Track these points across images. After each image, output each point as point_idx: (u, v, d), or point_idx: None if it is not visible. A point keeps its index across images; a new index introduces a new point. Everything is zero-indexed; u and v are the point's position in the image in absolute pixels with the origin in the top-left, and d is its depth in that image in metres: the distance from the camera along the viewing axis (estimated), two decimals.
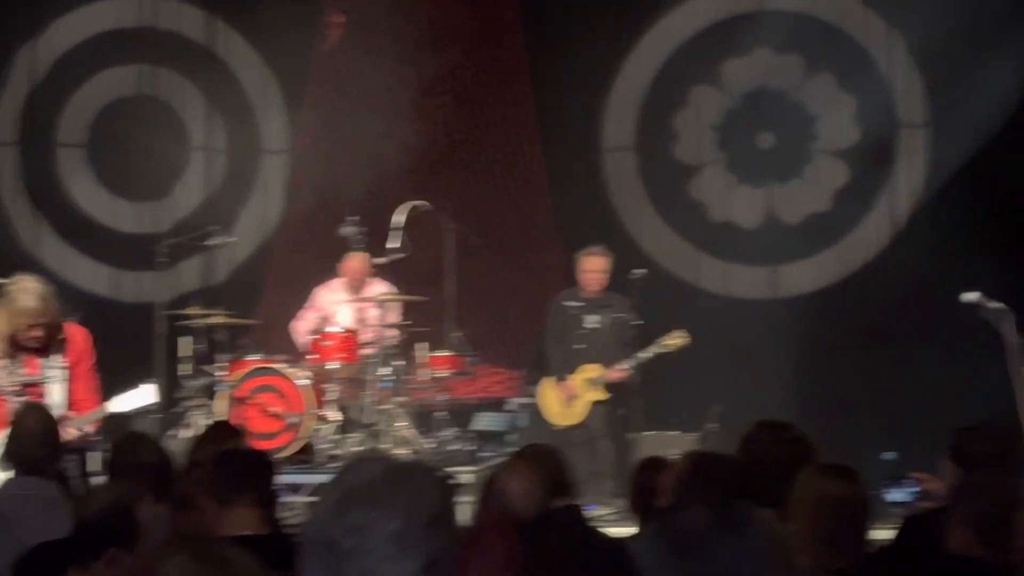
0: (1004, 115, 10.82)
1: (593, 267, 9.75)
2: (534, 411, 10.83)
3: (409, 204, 10.33)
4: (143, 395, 6.82)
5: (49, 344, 6.60)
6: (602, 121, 12.15)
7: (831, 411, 10.24)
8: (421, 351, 10.14)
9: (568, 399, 9.72)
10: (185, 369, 10.15)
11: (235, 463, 4.46)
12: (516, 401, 11.18)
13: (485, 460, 9.75)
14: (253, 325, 10.84)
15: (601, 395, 9.70)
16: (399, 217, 10.30)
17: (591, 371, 9.71)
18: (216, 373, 9.95)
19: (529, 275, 12.12)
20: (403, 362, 10.01)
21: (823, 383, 10.78)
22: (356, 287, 10.46)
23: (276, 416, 9.60)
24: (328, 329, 10.03)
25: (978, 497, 3.94)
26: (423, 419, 10.19)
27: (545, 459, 4.78)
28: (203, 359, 10.15)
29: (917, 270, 11.18)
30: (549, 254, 12.07)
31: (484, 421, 10.80)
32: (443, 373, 10.12)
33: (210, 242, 10.74)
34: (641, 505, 5.02)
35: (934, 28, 11.04)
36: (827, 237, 11.77)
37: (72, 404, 6.70)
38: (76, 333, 6.78)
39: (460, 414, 10.68)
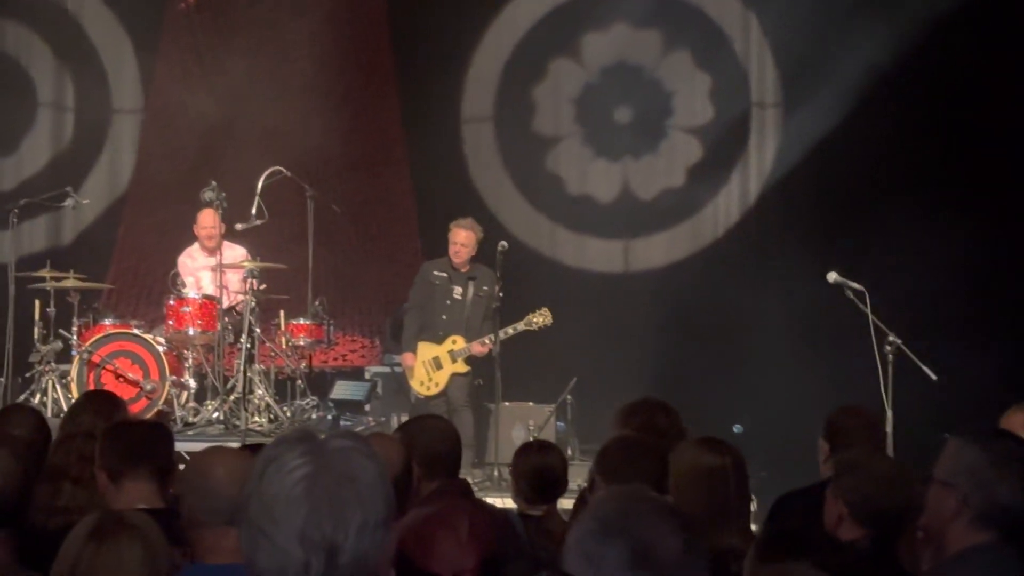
0: (854, 98, 11.20)
1: (459, 239, 9.84)
2: (392, 380, 10.92)
3: (269, 170, 10.27)
4: None
5: None
6: (461, 92, 12.24)
7: (683, 384, 10.51)
8: (280, 319, 10.13)
9: (425, 367, 9.81)
10: (38, 332, 9.98)
11: (131, 435, 4.43)
12: (373, 370, 11.24)
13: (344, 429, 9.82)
14: (105, 289, 10.68)
15: (463, 367, 9.82)
16: (258, 183, 10.24)
17: (454, 343, 9.82)
18: (70, 337, 9.81)
19: (387, 245, 12.18)
20: (260, 330, 9.97)
21: (675, 356, 11.04)
22: (210, 247, 10.38)
23: (132, 382, 9.52)
24: (186, 294, 9.95)
25: (855, 474, 4.11)
26: (281, 387, 10.18)
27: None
28: (56, 323, 9.99)
29: (765, 247, 11.55)
30: (407, 224, 12.14)
31: (342, 389, 10.83)
32: (302, 341, 10.12)
33: (64, 203, 10.51)
34: (535, 487, 5.11)
35: (789, 11, 11.37)
36: (680, 212, 12.05)
37: None
38: None
39: (319, 382, 10.70)
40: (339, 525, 2.13)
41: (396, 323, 10.85)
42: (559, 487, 5.21)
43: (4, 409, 5.25)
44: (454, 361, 9.83)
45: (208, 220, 10.29)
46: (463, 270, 9.91)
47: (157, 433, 4.49)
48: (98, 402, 5.58)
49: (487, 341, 9.76)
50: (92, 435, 4.86)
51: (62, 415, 7.43)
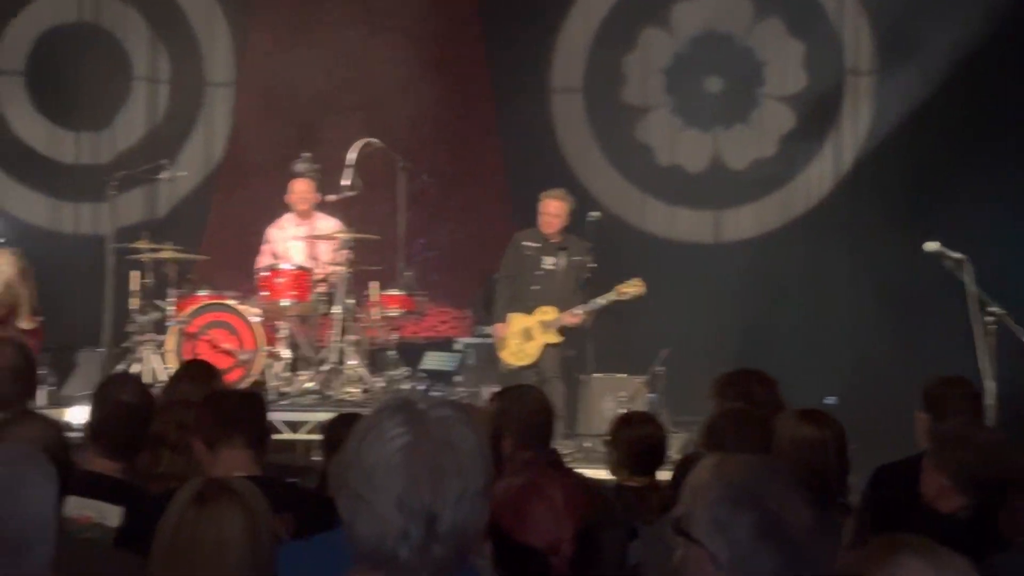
0: (950, 65, 11.00)
1: (551, 210, 9.82)
2: (482, 350, 10.95)
3: (361, 142, 10.31)
4: None
5: (11, 318, 6.53)
6: (551, 62, 12.20)
7: (774, 355, 10.42)
8: (372, 290, 10.18)
9: (516, 338, 9.82)
10: (135, 303, 10.12)
11: (226, 404, 4.49)
12: (464, 341, 11.27)
13: None
14: (200, 260, 10.80)
15: (554, 338, 9.81)
16: (351, 155, 10.28)
17: (546, 313, 9.81)
18: (166, 308, 9.94)
19: (478, 215, 12.19)
20: (353, 300, 10.04)
21: (767, 327, 10.96)
22: (302, 210, 10.44)
23: (227, 352, 9.62)
24: (279, 266, 10.03)
25: (957, 445, 4.06)
26: (373, 358, 10.24)
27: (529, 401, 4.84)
28: (153, 293, 10.13)
29: (859, 216, 11.41)
30: (498, 195, 12.15)
31: (433, 360, 10.87)
32: (393, 312, 10.16)
33: (160, 175, 10.64)
34: (635, 459, 5.08)
35: None
36: (771, 182, 11.93)
37: None
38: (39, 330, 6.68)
39: (409, 353, 10.75)
40: (438, 494, 2.13)
41: (487, 294, 10.86)
42: (659, 459, 5.19)
43: (111, 376, 5.34)
44: (545, 332, 9.82)
45: (301, 186, 10.37)
46: (554, 240, 9.89)
47: (251, 402, 4.54)
48: (195, 371, 5.67)
49: (578, 312, 9.74)
50: (190, 404, 4.93)
51: (161, 384, 7.56)
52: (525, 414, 4.71)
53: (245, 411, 4.46)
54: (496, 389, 10.01)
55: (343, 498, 2.19)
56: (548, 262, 9.87)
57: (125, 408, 4.51)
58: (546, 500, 2.83)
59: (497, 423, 4.55)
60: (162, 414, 5.25)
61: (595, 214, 9.92)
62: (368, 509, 2.14)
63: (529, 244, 9.92)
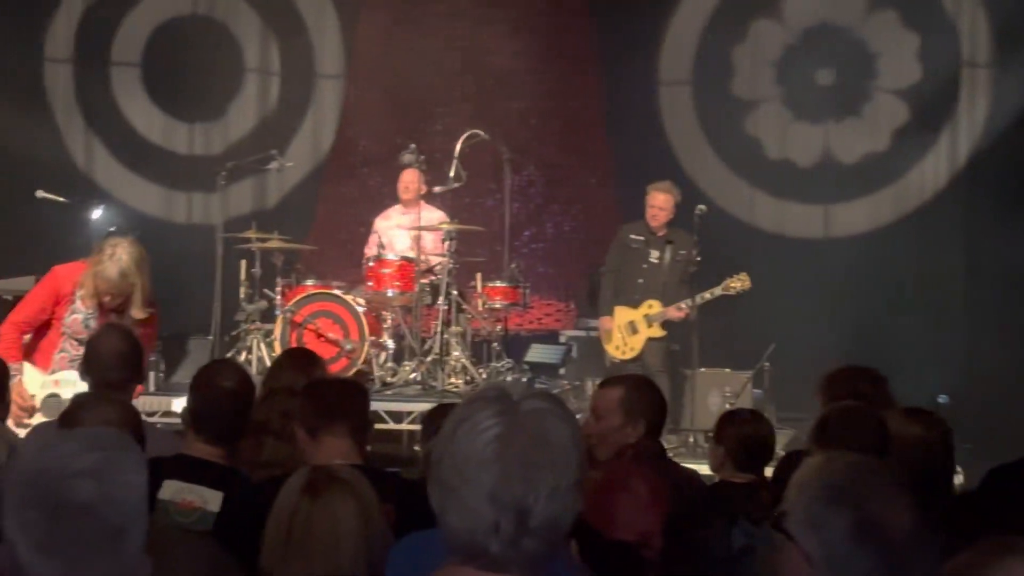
0: None
1: (657, 202, 9.76)
2: (587, 344, 10.91)
3: (467, 133, 10.32)
4: None
5: (127, 307, 6.69)
6: (660, 54, 12.10)
7: (884, 352, 10.25)
8: (477, 281, 10.20)
9: (620, 331, 9.78)
10: (243, 292, 10.25)
11: (328, 391, 4.49)
12: (569, 333, 11.25)
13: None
14: (307, 250, 10.89)
15: (658, 332, 9.74)
16: (457, 146, 10.30)
17: (651, 307, 9.75)
18: (274, 297, 10.05)
19: (584, 208, 12.16)
20: (458, 292, 10.06)
21: (876, 323, 10.78)
22: (409, 204, 10.49)
23: (332, 342, 9.69)
24: (385, 256, 10.08)
25: None
26: (477, 349, 10.26)
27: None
28: (261, 283, 10.25)
29: (975, 211, 11.17)
30: (604, 187, 12.10)
31: (538, 353, 10.86)
32: (497, 303, 10.17)
33: (269, 166, 10.75)
34: (743, 456, 5.00)
35: None
36: (883, 176, 11.72)
37: None
38: (153, 319, 6.85)
39: (513, 345, 10.75)
40: (530, 487, 2.10)
41: (592, 286, 10.82)
42: (766, 456, 5.11)
43: (211, 363, 5.38)
44: (650, 325, 9.76)
45: (408, 176, 10.42)
46: (660, 234, 9.82)
47: (353, 390, 4.53)
48: (297, 359, 5.69)
49: (683, 306, 9.66)
50: (292, 391, 4.96)
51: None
52: (647, 405, 4.66)
53: (347, 399, 4.45)
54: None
55: (435, 490, 2.17)
56: (654, 255, 9.81)
57: (224, 393, 4.53)
58: (631, 493, 2.79)
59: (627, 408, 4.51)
60: (264, 402, 5.28)
61: (702, 207, 9.82)
62: (459, 501, 2.11)
63: (635, 237, 9.87)
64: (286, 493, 3.19)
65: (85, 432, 2.50)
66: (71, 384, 6.45)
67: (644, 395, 4.62)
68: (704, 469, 5.46)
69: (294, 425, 4.48)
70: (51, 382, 6.65)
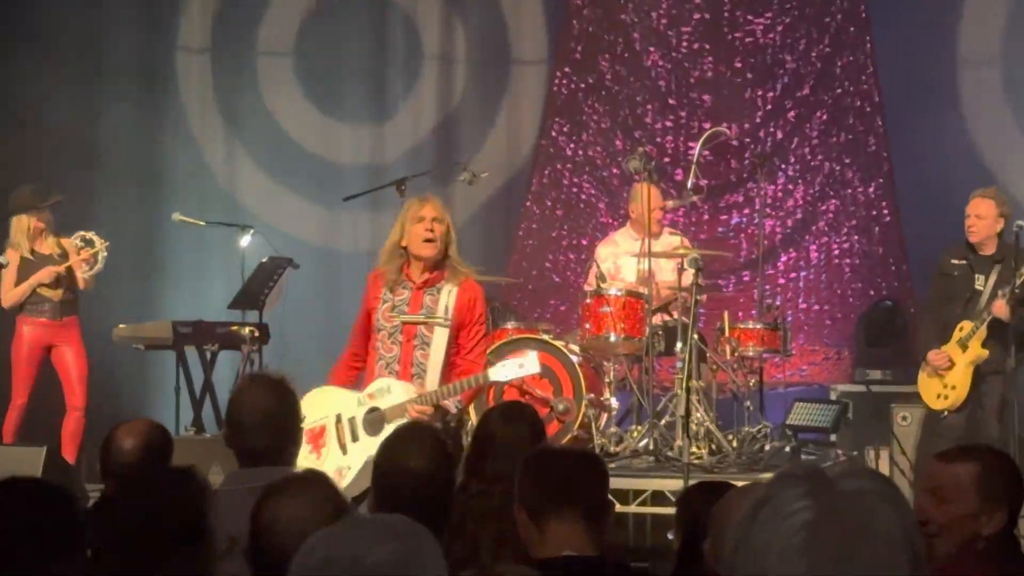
0: None
1: (977, 211, 9.65)
2: (865, 401, 10.85)
3: (708, 131, 10.40)
4: (528, 363, 7.84)
5: (434, 280, 7.75)
6: (957, 32, 12.00)
7: None
8: (723, 322, 10.22)
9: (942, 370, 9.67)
10: None
11: (558, 466, 4.58)
12: (842, 388, 11.18)
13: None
14: (505, 283, 11.06)
15: (977, 350, 9.50)
16: (695, 149, 10.38)
17: (961, 330, 9.60)
18: None
19: (860, 224, 12.08)
20: (699, 336, 10.08)
21: None
22: (654, 230, 10.52)
23: (541, 401, 9.81)
24: (606, 291, 10.16)
25: None
26: (724, 409, 10.28)
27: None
28: None
29: None
30: (887, 197, 12.03)
31: (803, 414, 10.81)
32: (751, 350, 10.14)
33: (459, 177, 10.85)
34: None
35: None
36: None
37: (450, 362, 7.79)
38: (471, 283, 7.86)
39: (771, 404, 10.74)
40: None
41: (871, 325, 10.77)
42: None
43: (395, 433, 5.50)
44: (964, 348, 9.64)
45: (647, 194, 10.35)
46: (985, 252, 9.71)
47: (588, 463, 4.62)
48: (513, 415, 5.88)
49: (1001, 294, 9.48)
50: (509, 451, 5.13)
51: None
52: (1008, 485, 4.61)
53: (580, 474, 4.53)
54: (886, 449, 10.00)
55: None
56: (978, 281, 9.71)
57: (414, 477, 4.72)
58: None
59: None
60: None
61: (1021, 223, 9.68)
62: None
63: (955, 262, 9.78)
64: None
65: (376, 519, 2.66)
66: (384, 392, 7.68)
67: (1005, 473, 4.53)
68: None
69: (514, 506, 4.58)
70: (366, 397, 7.73)
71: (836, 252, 12.18)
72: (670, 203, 10.53)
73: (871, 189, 12.14)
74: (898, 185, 11.99)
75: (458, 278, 7.86)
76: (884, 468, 10.14)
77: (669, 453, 9.66)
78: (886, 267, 10.44)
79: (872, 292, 11.65)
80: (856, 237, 12.10)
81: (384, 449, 4.91)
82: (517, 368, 7.91)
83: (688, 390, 9.10)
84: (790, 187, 12.15)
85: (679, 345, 9.91)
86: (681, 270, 10.01)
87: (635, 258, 10.49)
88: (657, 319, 10.26)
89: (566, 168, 12.61)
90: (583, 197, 12.44)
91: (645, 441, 9.81)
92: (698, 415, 9.84)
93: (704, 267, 10.00)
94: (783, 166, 11.77)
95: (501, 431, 5.93)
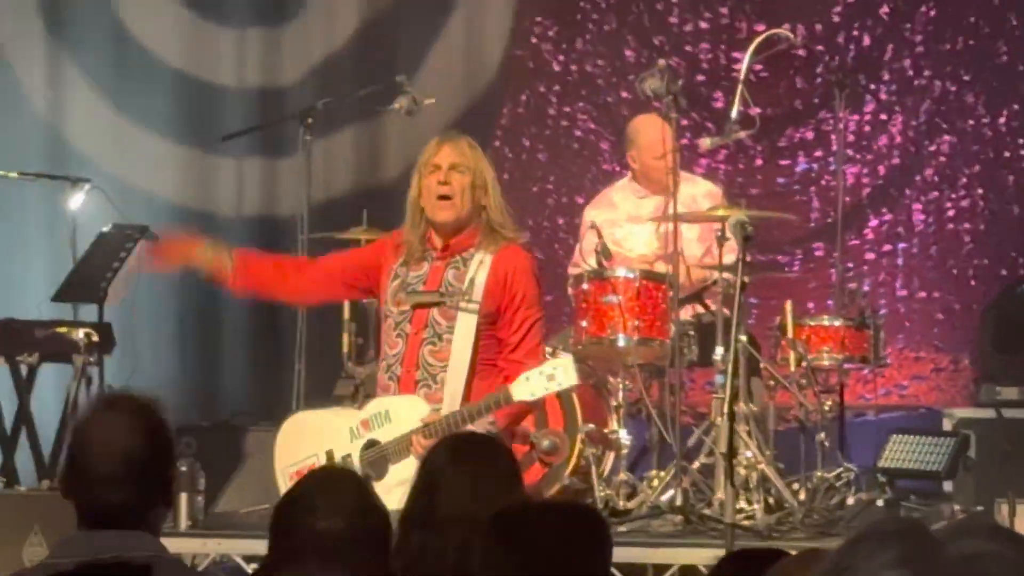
0: None
1: None
2: (994, 431, 10.87)
3: (762, 35, 10.45)
4: (560, 372, 7.84)
5: (460, 246, 7.87)
6: None
7: None
8: (785, 316, 10.24)
9: None
10: (349, 343, 10.51)
11: (536, 532, 4.62)
12: (961, 414, 11.20)
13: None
14: None
15: None
16: (741, 62, 10.41)
17: None
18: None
19: (985, 175, 12.14)
20: (749, 337, 10.11)
21: None
22: (657, 180, 10.53)
23: (519, 435, 9.81)
24: (609, 274, 10.16)
25: None
26: (789, 445, 10.33)
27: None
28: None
29: None
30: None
31: (901, 451, 10.82)
32: (826, 359, 10.20)
33: (392, 105, 10.80)
34: None
35: None
36: None
37: (487, 366, 7.98)
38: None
39: (857, 436, 10.79)
40: None
41: (1004, 321, 10.83)
42: None
43: (301, 481, 5.54)
44: None
45: (656, 132, 10.38)
46: None
47: (585, 528, 4.68)
48: (468, 456, 5.91)
49: None
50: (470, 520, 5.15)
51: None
52: None
53: (571, 543, 4.59)
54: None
55: None
56: None
57: (319, 537, 4.78)
58: None
59: None
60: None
61: None
62: None
63: None
64: None
65: None
66: (382, 419, 7.92)
67: None
68: None
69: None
70: (359, 426, 7.94)
71: (951, 213, 12.23)
72: (707, 141, 10.53)
73: (1002, 120, 12.18)
74: None
75: (496, 243, 7.95)
76: (1022, 527, 10.18)
77: (705, 511, 9.69)
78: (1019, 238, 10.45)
79: (1005, 272, 11.65)
80: (980, 191, 12.14)
81: (286, 505, 4.93)
82: (546, 381, 7.91)
83: (732, 417, 9.11)
84: (883, 118, 12.18)
85: (719, 351, 9.94)
86: (722, 240, 10.02)
87: (645, 225, 10.50)
88: (686, 312, 10.28)
89: (552, 91, 12.64)
90: (577, 134, 12.47)
91: (670, 493, 9.83)
92: (748, 455, 9.87)
93: (756, 236, 10.03)
94: (873, 87, 11.73)
95: (451, 474, 5.96)
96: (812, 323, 10.25)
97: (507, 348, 7.89)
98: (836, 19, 12.01)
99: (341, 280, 8.13)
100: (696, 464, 9.93)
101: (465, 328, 7.83)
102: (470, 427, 7.69)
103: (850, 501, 10.04)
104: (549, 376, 7.86)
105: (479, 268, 7.84)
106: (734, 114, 10.29)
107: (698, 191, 10.62)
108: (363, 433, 7.84)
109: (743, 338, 9.99)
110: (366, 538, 4.92)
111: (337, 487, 5.09)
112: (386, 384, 7.96)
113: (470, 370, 7.83)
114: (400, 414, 7.73)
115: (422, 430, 7.64)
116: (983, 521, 4.86)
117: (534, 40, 12.72)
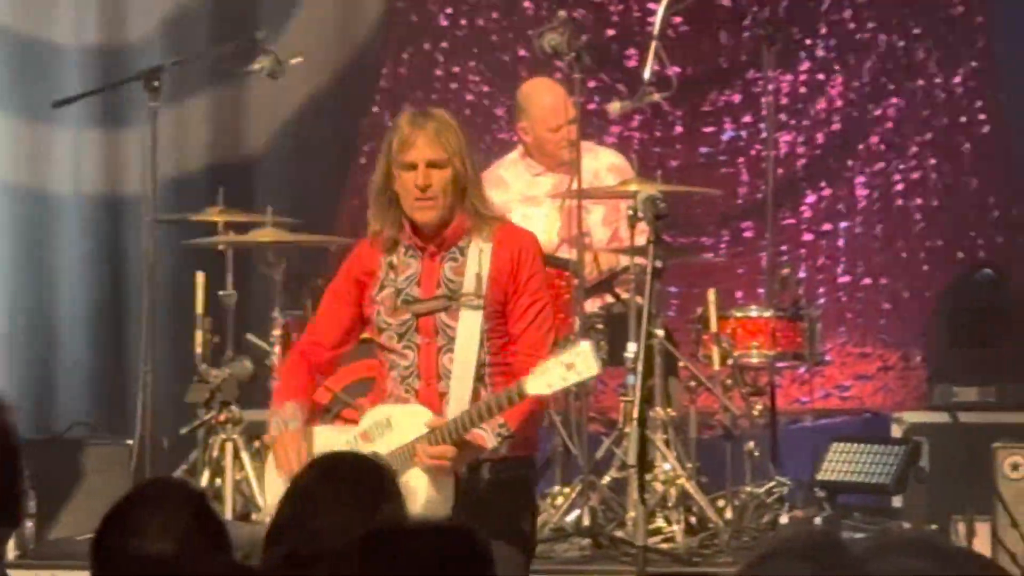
0: None
1: None
2: (951, 436, 10.94)
3: None
4: (580, 362, 7.75)
5: (452, 238, 7.88)
6: None
7: None
8: (708, 307, 10.28)
9: None
10: (202, 341, 10.47)
11: (409, 552, 4.64)
12: (911, 419, 11.25)
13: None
14: (336, 248, 11.11)
15: None
16: (656, 13, 10.45)
17: None
18: (269, 349, 10.34)
19: (938, 147, 12.22)
20: (666, 331, 10.15)
21: None
22: (555, 154, 10.57)
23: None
24: None
25: None
26: (713, 456, 10.37)
27: None
28: (239, 319, 10.65)
29: None
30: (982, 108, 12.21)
31: (841, 462, 10.88)
32: (755, 355, 10.25)
33: (252, 66, 10.85)
34: None
35: None
36: None
37: (495, 364, 7.95)
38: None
39: (792, 445, 10.85)
40: None
41: (960, 311, 10.91)
42: None
43: (126, 498, 5.52)
44: None
45: (551, 98, 10.42)
46: None
47: (464, 550, 4.68)
48: (343, 479, 5.92)
49: None
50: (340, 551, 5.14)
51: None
52: None
53: (449, 568, 4.61)
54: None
55: None
56: None
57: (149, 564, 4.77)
58: None
59: None
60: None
61: None
62: None
63: None
64: None
65: None
66: (383, 428, 7.93)
67: None
68: None
69: None
70: (358, 437, 7.99)
71: (900, 187, 12.29)
72: (616, 106, 10.56)
73: (957, 80, 12.25)
74: (1003, 74, 12.12)
75: (488, 226, 7.94)
76: (983, 547, 10.25)
77: (618, 532, 9.72)
78: (983, 211, 10.52)
79: (961, 254, 11.72)
80: (933, 161, 12.20)
81: (108, 527, 4.90)
82: (564, 371, 7.79)
83: (644, 423, 9.12)
84: (820, 78, 12.24)
85: (631, 348, 9.96)
86: (633, 220, 10.04)
87: (542, 206, 10.53)
88: (593, 304, 10.31)
89: (439, 48, 12.64)
90: (468, 98, 12.49)
91: (576, 513, 9.85)
92: (666, 467, 9.91)
93: (672, 214, 10.05)
94: (808, 42, 11.77)
95: (320, 492, 5.97)
96: (739, 315, 10.32)
97: (511, 339, 7.87)
98: None
99: (359, 319, 8.06)
100: (606, 479, 9.98)
101: (469, 326, 7.81)
102: (479, 430, 7.69)
103: (783, 520, 10.11)
104: (568, 365, 7.76)
105: (481, 257, 7.80)
106: (648, 74, 10.33)
107: (600, 165, 10.65)
108: (361, 445, 7.81)
109: (659, 332, 10.03)
110: (203, 562, 4.89)
111: (167, 503, 5.05)
112: (404, 397, 7.94)
113: (477, 371, 7.79)
114: (402, 423, 7.78)
115: (427, 437, 7.61)
116: (915, 536, 4.89)
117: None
